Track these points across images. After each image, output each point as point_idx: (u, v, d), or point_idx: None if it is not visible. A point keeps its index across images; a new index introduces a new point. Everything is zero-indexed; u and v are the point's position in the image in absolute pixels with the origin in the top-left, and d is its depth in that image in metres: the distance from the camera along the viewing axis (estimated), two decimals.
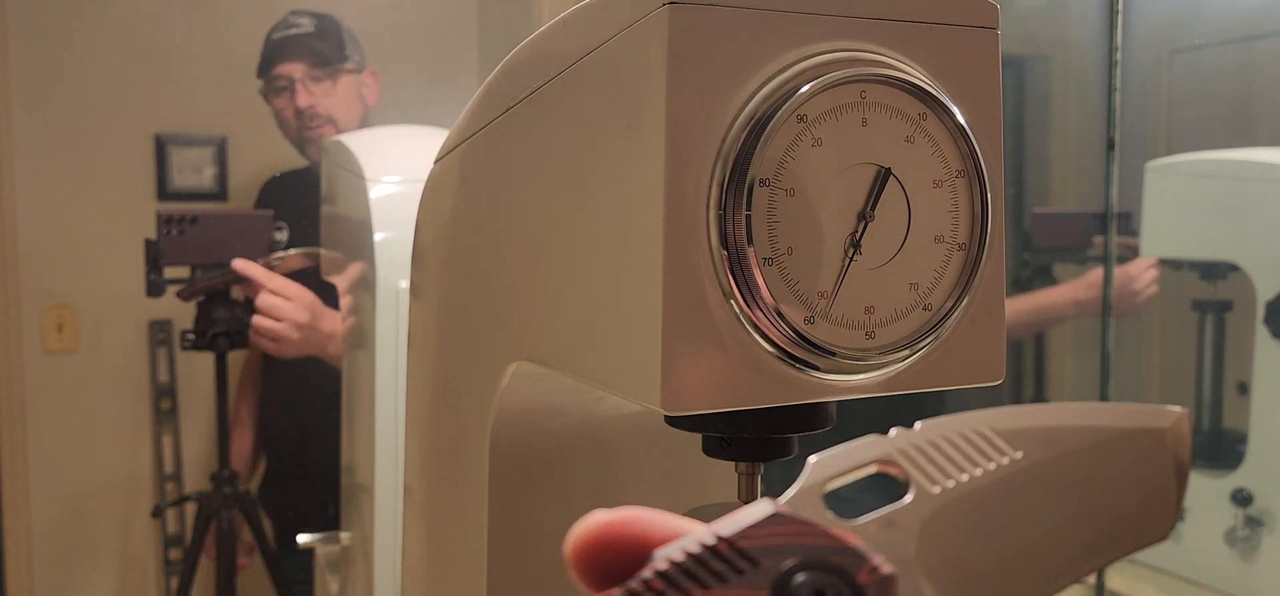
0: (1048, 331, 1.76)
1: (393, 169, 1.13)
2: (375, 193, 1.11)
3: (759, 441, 0.44)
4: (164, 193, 2.37)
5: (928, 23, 0.39)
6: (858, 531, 0.24)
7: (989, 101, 0.41)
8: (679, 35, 0.36)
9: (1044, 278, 1.61)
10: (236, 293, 1.54)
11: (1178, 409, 0.27)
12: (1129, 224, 1.45)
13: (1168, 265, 1.51)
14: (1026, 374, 1.77)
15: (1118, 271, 1.42)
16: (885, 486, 0.26)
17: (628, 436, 0.61)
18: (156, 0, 2.36)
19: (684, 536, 0.23)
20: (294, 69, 1.73)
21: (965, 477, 0.25)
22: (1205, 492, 1.37)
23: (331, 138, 1.35)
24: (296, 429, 1.79)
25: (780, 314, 0.37)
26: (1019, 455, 0.26)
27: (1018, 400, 1.76)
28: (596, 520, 0.24)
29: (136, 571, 2.41)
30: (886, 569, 0.23)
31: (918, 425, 0.26)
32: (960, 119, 0.39)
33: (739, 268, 0.36)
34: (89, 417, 2.37)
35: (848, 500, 0.25)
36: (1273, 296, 1.31)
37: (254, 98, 1.84)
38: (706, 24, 0.36)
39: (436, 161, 0.61)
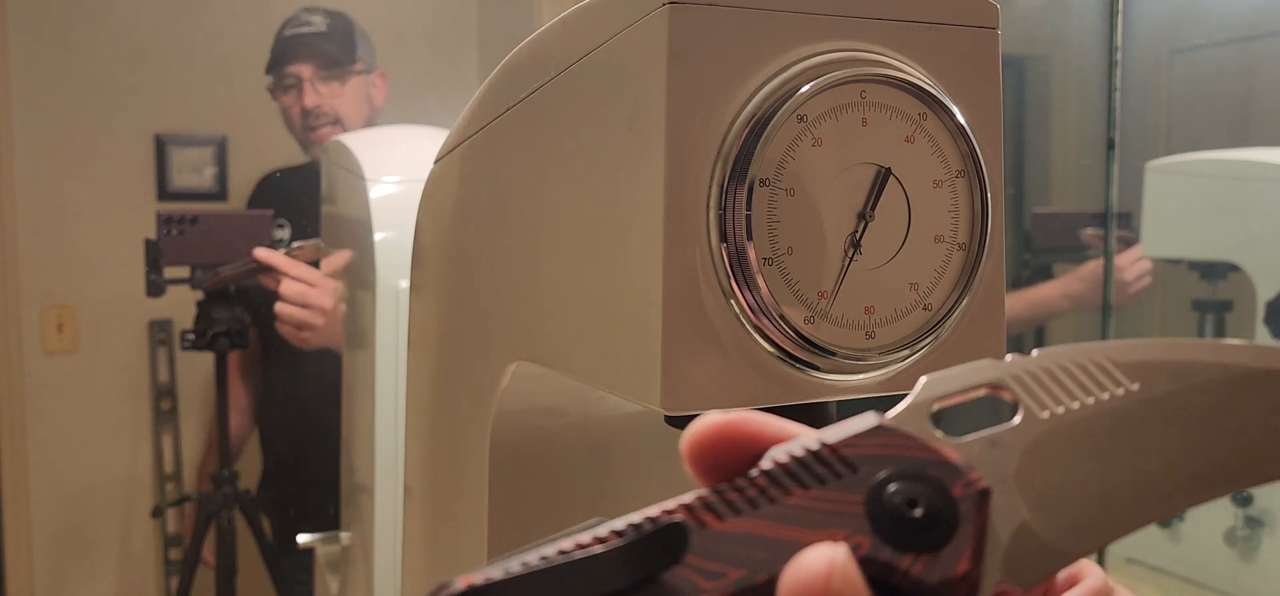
0: (1049, 330, 1.76)
1: (393, 169, 1.13)
2: (375, 193, 1.11)
3: None
4: (164, 193, 2.37)
5: (928, 23, 0.39)
6: (961, 448, 0.24)
7: (989, 101, 0.41)
8: (679, 35, 0.36)
9: (1044, 277, 1.61)
10: (266, 282, 1.52)
11: None
12: (1129, 224, 1.45)
13: (1165, 264, 1.51)
14: None
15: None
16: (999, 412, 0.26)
17: (628, 436, 0.60)
18: (156, 0, 2.36)
19: (793, 440, 0.24)
20: (303, 68, 1.72)
21: (1077, 405, 0.25)
22: None
23: (333, 138, 1.35)
24: (296, 428, 1.79)
25: (780, 314, 0.37)
26: (1136, 387, 0.26)
27: None
28: (713, 418, 0.25)
29: (136, 571, 2.41)
30: (982, 483, 0.23)
31: (1035, 352, 0.26)
32: (960, 119, 0.39)
33: (739, 267, 0.36)
34: (89, 417, 2.37)
35: (955, 421, 0.26)
36: (1273, 296, 1.32)
37: (254, 98, 1.84)
38: (706, 24, 0.36)
39: (436, 161, 0.61)
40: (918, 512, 0.23)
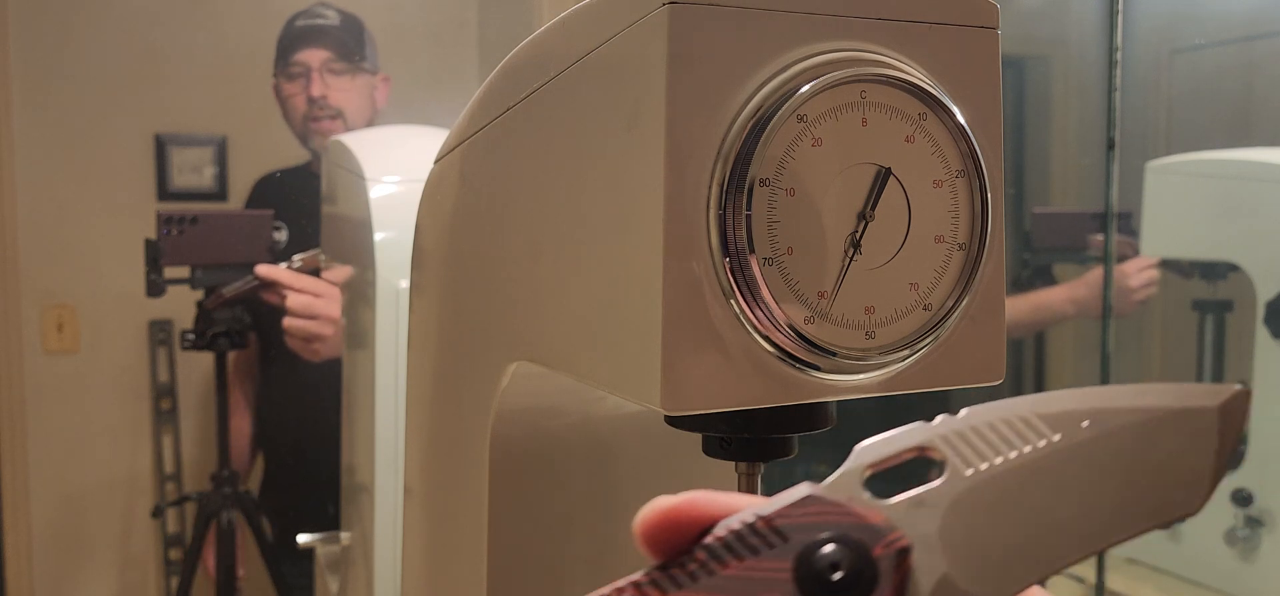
0: (1048, 332, 1.76)
1: (393, 169, 1.13)
2: (375, 193, 1.10)
3: (759, 441, 0.44)
4: (164, 193, 2.37)
5: (928, 23, 0.39)
6: (888, 510, 0.26)
7: (989, 101, 0.41)
8: (679, 35, 0.36)
9: (1044, 278, 1.61)
10: (269, 298, 1.51)
11: (1238, 386, 0.28)
12: (1129, 224, 1.45)
13: (1167, 267, 1.51)
14: (1026, 374, 1.77)
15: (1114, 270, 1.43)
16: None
17: (628, 436, 0.60)
18: (156, 0, 2.36)
19: (736, 514, 0.27)
20: (313, 57, 1.73)
21: (1000, 460, 0.27)
22: None
23: (335, 135, 1.34)
24: (296, 429, 1.79)
25: (781, 314, 0.37)
26: (1057, 437, 0.27)
27: None
28: (662, 503, 0.27)
29: (136, 571, 2.41)
30: (903, 542, 0.26)
31: (964, 412, 0.28)
32: (960, 119, 0.39)
33: (739, 267, 0.36)
34: (89, 417, 2.37)
35: (895, 481, 0.28)
36: (1273, 296, 1.32)
37: (254, 98, 1.84)
38: (706, 24, 0.36)
39: (436, 161, 0.61)
40: (839, 575, 0.25)
